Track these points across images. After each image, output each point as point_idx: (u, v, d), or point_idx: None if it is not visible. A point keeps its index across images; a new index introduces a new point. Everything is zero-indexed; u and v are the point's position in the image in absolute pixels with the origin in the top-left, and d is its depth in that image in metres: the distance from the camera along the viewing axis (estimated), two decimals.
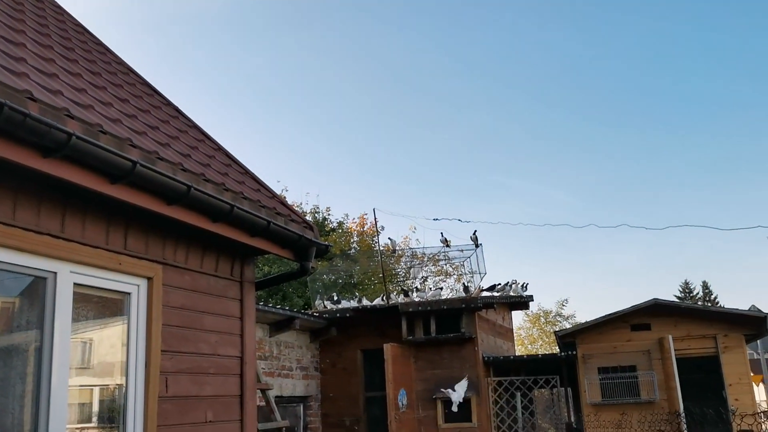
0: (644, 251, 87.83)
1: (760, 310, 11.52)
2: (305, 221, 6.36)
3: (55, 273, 4.16)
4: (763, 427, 7.00)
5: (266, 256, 19.95)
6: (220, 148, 6.70)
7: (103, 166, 3.89)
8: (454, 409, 11.07)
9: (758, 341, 15.84)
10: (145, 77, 7.34)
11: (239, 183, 5.76)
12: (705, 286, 59.78)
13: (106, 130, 3.91)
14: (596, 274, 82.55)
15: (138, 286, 4.92)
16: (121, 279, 4.75)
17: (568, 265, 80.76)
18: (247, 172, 6.58)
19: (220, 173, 5.55)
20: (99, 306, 4.84)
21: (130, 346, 4.85)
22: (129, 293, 4.85)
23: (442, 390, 11.06)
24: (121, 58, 7.47)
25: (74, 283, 4.30)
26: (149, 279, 4.98)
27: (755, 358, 30.15)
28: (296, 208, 6.99)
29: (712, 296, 58.00)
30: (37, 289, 4.15)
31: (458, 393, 10.94)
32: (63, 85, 4.32)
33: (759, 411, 8.91)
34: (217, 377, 5.69)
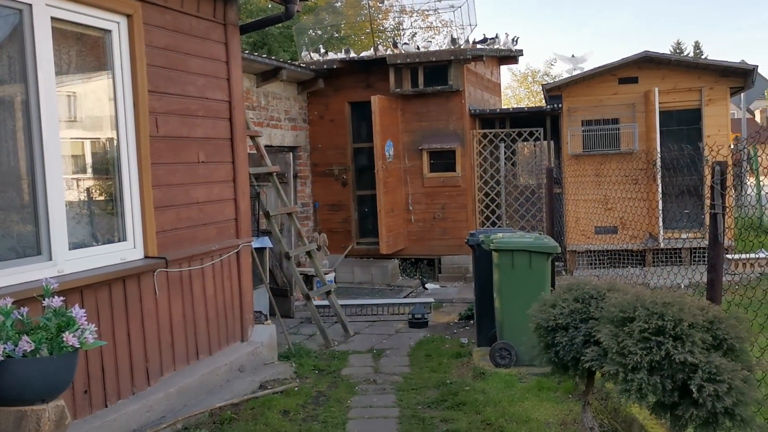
0: (639, 9, 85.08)
1: (747, 64, 11.45)
2: None
3: (30, 5, 4.00)
4: (730, 161, 7.29)
5: (249, 7, 19.20)
6: None
7: None
8: None
9: (741, 95, 15.95)
10: None
11: None
12: (696, 46, 59.23)
13: None
14: (588, 35, 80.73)
15: (118, 23, 4.78)
16: (100, 15, 4.60)
17: (560, 24, 78.65)
18: None
19: None
20: (83, 53, 4.72)
21: (117, 87, 4.83)
22: (109, 30, 4.72)
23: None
24: None
25: (51, 17, 4.16)
26: (129, 16, 4.83)
27: (736, 118, 30.70)
28: None
29: (703, 56, 57.56)
30: (16, 36, 4.02)
31: None
32: None
33: (730, 152, 9.23)
34: (206, 120, 5.74)
